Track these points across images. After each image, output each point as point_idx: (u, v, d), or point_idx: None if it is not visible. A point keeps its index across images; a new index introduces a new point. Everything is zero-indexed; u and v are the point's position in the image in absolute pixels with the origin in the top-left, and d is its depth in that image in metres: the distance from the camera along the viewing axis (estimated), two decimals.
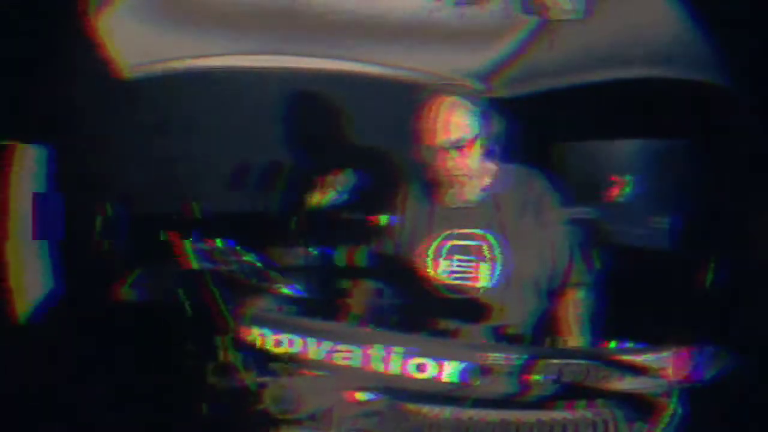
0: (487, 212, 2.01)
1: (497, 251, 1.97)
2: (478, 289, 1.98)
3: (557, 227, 2.00)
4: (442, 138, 1.93)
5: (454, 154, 1.94)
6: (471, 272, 1.99)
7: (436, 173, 2.00)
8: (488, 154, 2.01)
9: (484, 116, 1.98)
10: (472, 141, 1.95)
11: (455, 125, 1.93)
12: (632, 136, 3.04)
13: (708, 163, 2.62)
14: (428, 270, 2.03)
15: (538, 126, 3.26)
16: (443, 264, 2.02)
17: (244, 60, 3.07)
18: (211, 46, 2.91)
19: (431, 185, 2.08)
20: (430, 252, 2.04)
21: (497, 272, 1.97)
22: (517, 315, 1.98)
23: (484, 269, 1.98)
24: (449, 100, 1.95)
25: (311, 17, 2.64)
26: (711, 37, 2.27)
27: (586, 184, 3.31)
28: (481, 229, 2.00)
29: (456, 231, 2.03)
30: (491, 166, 2.04)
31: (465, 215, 2.03)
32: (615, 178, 3.19)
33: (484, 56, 3.08)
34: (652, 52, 2.58)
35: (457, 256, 2.01)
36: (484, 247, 1.98)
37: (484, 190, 2.05)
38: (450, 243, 2.02)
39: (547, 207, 2.00)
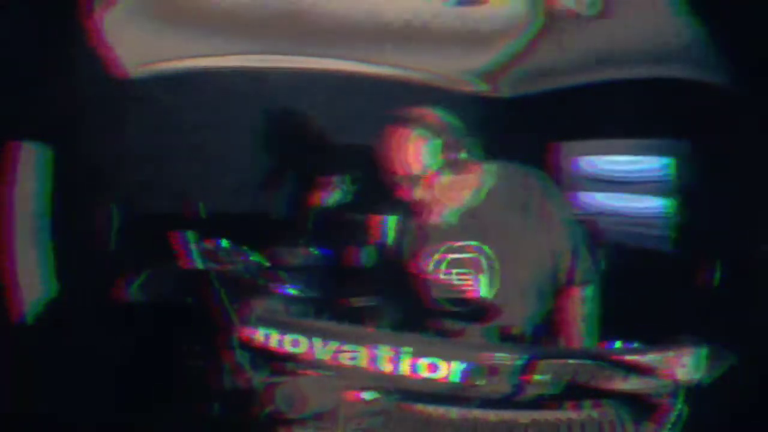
0: (478, 223, 2.01)
1: (493, 260, 1.98)
2: (480, 299, 1.98)
3: (554, 225, 1.99)
4: (405, 171, 1.94)
5: (420, 183, 1.95)
6: (471, 284, 1.98)
7: (415, 197, 2.01)
8: (462, 171, 1.99)
9: (447, 146, 1.95)
10: (436, 173, 1.94)
11: (414, 160, 1.93)
12: (632, 136, 3.05)
13: (708, 162, 2.62)
14: (429, 284, 2.04)
15: (538, 125, 3.28)
16: (443, 277, 2.02)
17: (244, 60, 3.07)
18: (211, 46, 2.90)
19: (418, 205, 2.07)
20: (431, 266, 2.04)
21: (496, 281, 1.97)
22: (520, 318, 1.98)
23: (483, 280, 1.98)
24: (408, 134, 1.94)
25: (311, 18, 2.64)
26: (713, 37, 2.28)
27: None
28: (474, 240, 2.00)
29: (452, 244, 2.02)
30: (472, 178, 2.03)
31: (457, 229, 2.02)
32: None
33: (484, 56, 3.08)
34: (652, 53, 2.58)
35: (455, 270, 2.01)
36: (481, 258, 1.98)
37: (472, 201, 2.03)
38: (449, 257, 2.02)
39: (542, 205, 1.99)
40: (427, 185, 1.95)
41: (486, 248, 1.98)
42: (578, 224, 2.04)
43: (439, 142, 1.93)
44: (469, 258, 1.99)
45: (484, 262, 1.98)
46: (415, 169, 1.93)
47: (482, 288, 1.97)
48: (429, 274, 2.03)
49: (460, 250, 2.01)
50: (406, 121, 1.96)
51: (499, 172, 2.05)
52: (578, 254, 2.00)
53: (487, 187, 2.03)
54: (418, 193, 1.97)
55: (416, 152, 1.93)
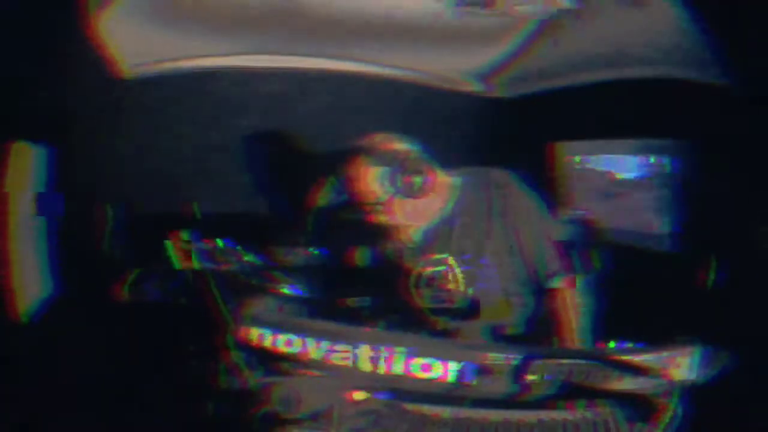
0: (447, 236, 2.06)
1: (469, 269, 2.01)
2: (461, 308, 2.01)
3: (527, 223, 2.01)
4: (362, 199, 2.04)
5: (379, 209, 2.04)
6: (450, 294, 2.03)
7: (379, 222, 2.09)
8: (420, 193, 2.04)
9: (400, 172, 2.01)
10: (391, 199, 2.02)
11: (367, 188, 2.02)
12: (631, 136, 3.05)
13: (708, 162, 2.62)
14: (415, 297, 2.08)
15: (538, 125, 3.27)
16: (425, 291, 2.07)
17: (244, 60, 3.07)
18: (210, 46, 2.90)
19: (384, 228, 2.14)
20: (412, 281, 2.09)
21: (474, 288, 2.01)
22: (508, 318, 2.00)
23: (462, 289, 2.02)
24: (360, 164, 2.03)
25: (311, 17, 2.64)
26: (711, 36, 2.27)
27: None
28: (447, 253, 2.05)
29: (428, 259, 2.08)
30: (433, 197, 2.07)
31: (429, 245, 2.09)
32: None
33: (483, 56, 3.07)
34: (651, 52, 2.58)
35: (435, 283, 2.06)
36: (456, 269, 2.03)
37: (437, 216, 2.08)
38: (426, 271, 2.08)
39: (510, 205, 2.02)
40: (386, 211, 2.04)
41: (457, 259, 2.03)
42: (555, 218, 2.06)
43: (388, 169, 2.00)
44: (446, 270, 2.04)
45: (459, 272, 2.03)
46: (370, 196, 2.03)
47: (462, 297, 2.02)
48: (413, 288, 2.09)
49: (436, 263, 2.06)
50: (359, 151, 2.05)
51: (464, 182, 2.09)
52: (559, 248, 2.02)
53: (453, 199, 2.08)
54: (381, 218, 2.07)
55: (368, 181, 2.02)
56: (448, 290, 2.03)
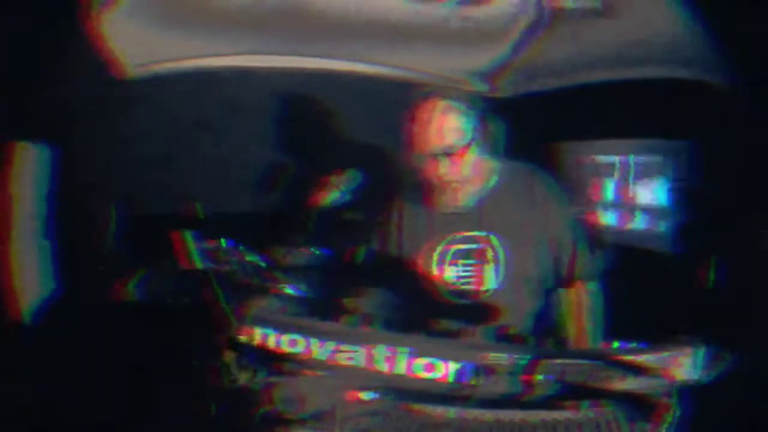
0: (487, 214, 1.98)
1: (500, 253, 1.96)
2: (483, 291, 1.97)
3: (557, 222, 1.99)
4: (433, 144, 1.86)
5: (446, 160, 1.88)
6: (475, 275, 1.96)
7: (430, 179, 1.95)
8: (484, 157, 1.96)
9: (479, 120, 1.91)
10: (466, 147, 1.88)
11: (447, 131, 1.86)
12: (633, 135, 3.05)
13: (708, 162, 2.62)
14: (433, 275, 2.00)
15: (540, 126, 3.27)
16: (448, 269, 1.99)
17: (244, 60, 3.07)
18: (211, 46, 2.91)
19: (427, 190, 2.01)
20: (435, 257, 2.00)
21: (501, 274, 1.96)
22: (520, 315, 1.98)
23: (487, 271, 1.96)
24: (442, 104, 1.87)
25: (311, 17, 2.64)
26: (713, 36, 2.28)
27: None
28: (483, 231, 1.97)
29: (458, 235, 1.99)
30: (488, 167, 2.00)
31: (466, 218, 1.99)
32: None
33: (485, 56, 3.08)
34: (654, 52, 2.58)
35: (461, 261, 1.98)
36: (488, 250, 1.97)
37: (482, 191, 2.01)
38: (454, 247, 1.99)
39: (548, 204, 1.99)
40: (453, 162, 1.88)
41: (494, 239, 1.95)
42: (579, 222, 2.05)
43: (472, 114, 1.89)
44: (477, 248, 1.96)
45: (491, 252, 1.95)
46: (447, 140, 1.86)
47: (487, 278, 1.96)
48: (435, 264, 2.00)
49: (468, 240, 1.97)
50: (440, 91, 1.92)
51: (505, 170, 2.03)
52: (580, 250, 2.00)
53: (493, 179, 2.01)
54: (443, 171, 1.89)
55: (451, 122, 1.86)
56: (475, 269, 1.96)
